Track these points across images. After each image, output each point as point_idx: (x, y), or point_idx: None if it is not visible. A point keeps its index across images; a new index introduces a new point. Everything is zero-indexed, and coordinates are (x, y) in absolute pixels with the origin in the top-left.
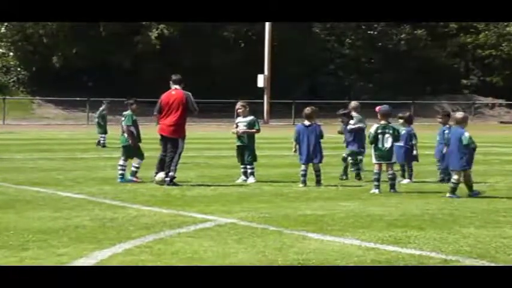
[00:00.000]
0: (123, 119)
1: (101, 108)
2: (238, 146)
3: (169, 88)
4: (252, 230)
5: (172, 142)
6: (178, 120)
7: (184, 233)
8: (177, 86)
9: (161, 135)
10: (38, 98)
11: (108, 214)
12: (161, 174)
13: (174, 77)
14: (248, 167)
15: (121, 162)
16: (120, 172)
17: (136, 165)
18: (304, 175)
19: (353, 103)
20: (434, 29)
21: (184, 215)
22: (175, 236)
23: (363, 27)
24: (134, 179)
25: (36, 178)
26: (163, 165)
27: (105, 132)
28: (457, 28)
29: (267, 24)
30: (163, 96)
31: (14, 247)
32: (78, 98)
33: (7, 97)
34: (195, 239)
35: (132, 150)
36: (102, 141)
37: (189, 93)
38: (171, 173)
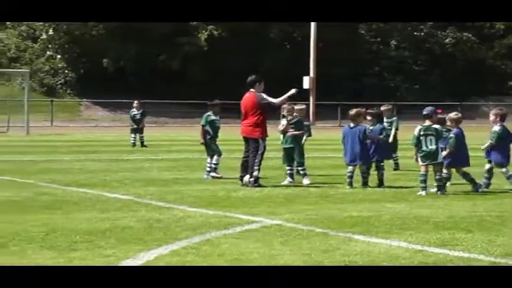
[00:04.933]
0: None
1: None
2: (284, 148)
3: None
4: (297, 232)
5: (253, 142)
6: (255, 121)
7: (230, 234)
8: (250, 89)
9: (243, 137)
10: (85, 100)
11: (154, 215)
12: (247, 178)
13: (248, 79)
14: (299, 168)
15: (208, 160)
16: (207, 169)
17: (215, 162)
18: (351, 176)
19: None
20: (481, 30)
21: (230, 216)
22: (221, 237)
23: (409, 28)
24: (214, 174)
25: (83, 179)
26: (246, 166)
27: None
28: (504, 29)
29: (312, 25)
30: (242, 100)
31: (62, 248)
32: (124, 100)
33: (55, 99)
34: (241, 240)
35: (209, 147)
36: (133, 141)
37: (260, 94)
38: (254, 173)
